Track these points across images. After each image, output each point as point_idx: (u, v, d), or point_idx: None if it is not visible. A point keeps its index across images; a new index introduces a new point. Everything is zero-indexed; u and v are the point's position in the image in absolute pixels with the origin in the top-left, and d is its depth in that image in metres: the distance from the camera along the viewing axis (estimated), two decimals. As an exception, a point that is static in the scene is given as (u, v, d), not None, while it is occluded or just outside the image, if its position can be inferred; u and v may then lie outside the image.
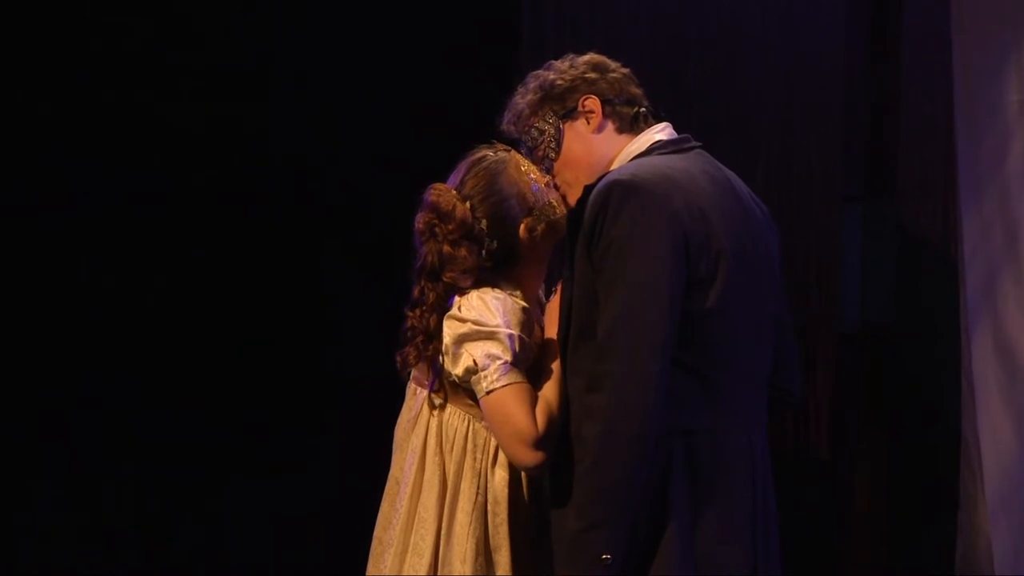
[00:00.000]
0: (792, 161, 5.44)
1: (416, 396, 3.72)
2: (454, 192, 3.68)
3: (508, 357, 3.53)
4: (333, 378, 5.65)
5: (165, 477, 5.69)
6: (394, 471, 3.72)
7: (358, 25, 5.75)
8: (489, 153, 3.72)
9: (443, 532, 3.60)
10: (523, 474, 3.62)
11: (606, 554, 3.21)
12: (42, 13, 5.62)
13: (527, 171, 3.69)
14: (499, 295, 3.61)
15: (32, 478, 5.64)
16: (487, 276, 3.68)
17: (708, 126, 5.34)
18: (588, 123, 3.57)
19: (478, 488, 3.60)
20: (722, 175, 3.52)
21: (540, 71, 3.64)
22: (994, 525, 4.86)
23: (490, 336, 3.55)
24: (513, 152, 3.73)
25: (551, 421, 3.50)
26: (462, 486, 3.61)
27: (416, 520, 3.63)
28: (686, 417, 3.32)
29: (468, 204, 3.66)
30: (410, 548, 3.62)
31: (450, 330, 3.60)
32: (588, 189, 3.42)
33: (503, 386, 3.51)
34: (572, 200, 3.56)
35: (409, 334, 3.68)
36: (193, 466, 5.67)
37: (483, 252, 3.65)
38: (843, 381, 5.35)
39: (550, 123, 3.59)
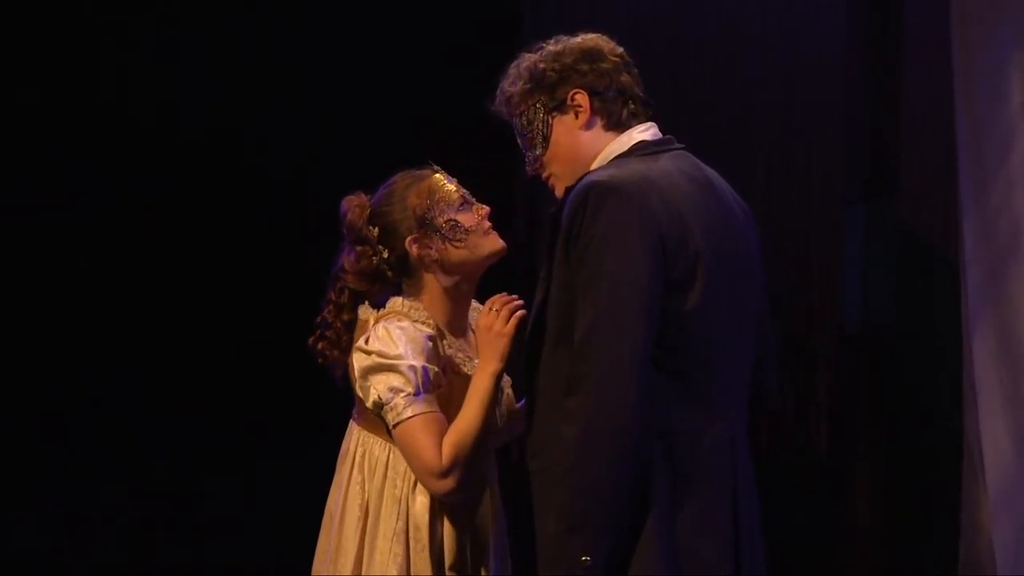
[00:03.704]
0: (792, 161, 5.44)
1: (349, 430, 3.79)
2: (358, 198, 3.78)
3: (410, 389, 3.58)
4: (333, 378, 5.65)
5: (164, 477, 5.69)
6: (329, 504, 3.79)
7: (360, 27, 5.76)
8: (417, 171, 3.79)
9: (365, 559, 3.66)
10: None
11: (586, 556, 3.20)
12: (42, 13, 5.61)
13: (443, 194, 3.74)
14: (404, 324, 3.66)
15: (32, 478, 5.64)
16: (397, 291, 3.75)
17: (708, 126, 5.35)
18: (576, 117, 3.54)
19: (398, 514, 3.65)
20: (703, 176, 3.50)
21: (530, 54, 3.59)
22: (996, 524, 4.86)
23: (391, 368, 3.60)
24: (439, 176, 3.77)
25: (459, 450, 3.56)
26: (382, 513, 3.67)
27: (340, 551, 3.69)
28: (666, 418, 3.31)
29: (368, 211, 3.75)
30: None
31: (357, 363, 3.66)
32: (567, 191, 3.42)
33: (408, 418, 3.58)
34: (560, 192, 3.55)
35: (316, 329, 3.78)
36: (193, 466, 5.67)
37: (375, 259, 3.73)
38: (843, 382, 5.34)
39: (539, 116, 3.56)
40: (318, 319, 3.78)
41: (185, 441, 5.66)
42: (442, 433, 3.58)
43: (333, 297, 3.77)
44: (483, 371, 3.64)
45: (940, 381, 5.20)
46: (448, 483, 3.57)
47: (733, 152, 5.31)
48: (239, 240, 5.74)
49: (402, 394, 3.57)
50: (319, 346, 3.77)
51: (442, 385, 3.65)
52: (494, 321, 3.65)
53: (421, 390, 3.59)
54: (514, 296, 3.69)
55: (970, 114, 4.96)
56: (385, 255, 3.74)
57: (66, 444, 5.63)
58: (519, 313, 3.64)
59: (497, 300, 3.69)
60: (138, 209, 5.68)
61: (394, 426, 3.59)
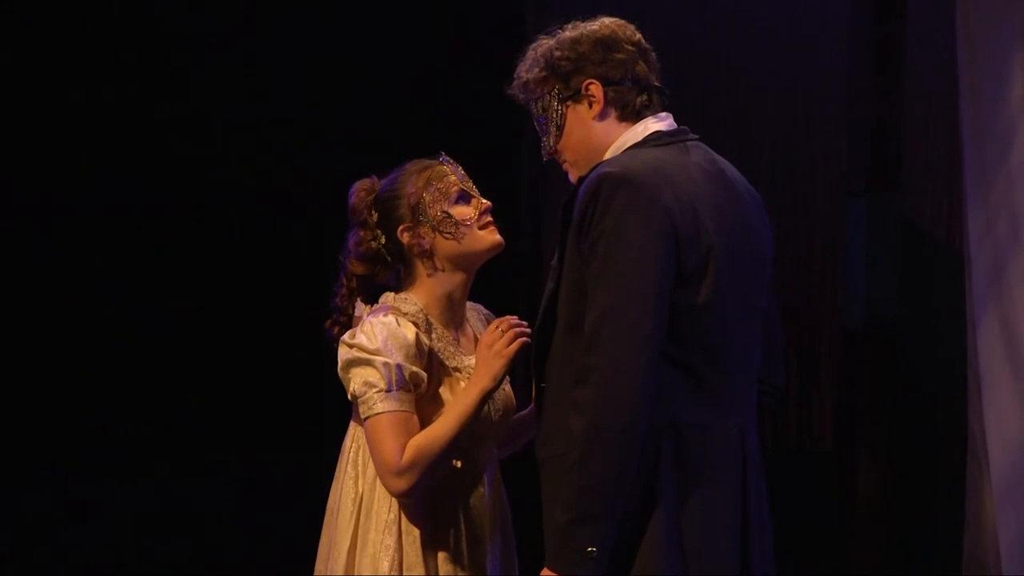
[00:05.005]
0: (795, 157, 5.45)
1: (349, 427, 3.79)
2: (369, 182, 3.79)
3: (383, 385, 3.58)
4: (333, 377, 5.65)
5: (164, 476, 5.69)
6: (328, 501, 3.79)
7: (363, 24, 5.76)
8: (427, 160, 3.79)
9: (358, 552, 3.66)
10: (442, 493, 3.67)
11: (592, 547, 3.20)
12: (42, 14, 5.62)
13: (441, 185, 3.73)
14: (388, 320, 3.65)
15: (32, 477, 5.64)
16: (399, 277, 3.76)
17: (710, 124, 5.35)
18: (590, 107, 3.52)
19: (389, 506, 3.64)
20: (716, 168, 3.49)
21: (546, 39, 3.58)
22: (1001, 517, 4.86)
23: (367, 363, 3.60)
24: (446, 166, 3.77)
25: (421, 454, 3.56)
26: (374, 506, 3.66)
27: (334, 545, 3.70)
28: (675, 411, 3.31)
29: (373, 195, 3.76)
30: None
31: (340, 355, 3.67)
32: (579, 181, 3.41)
33: (377, 414, 3.58)
34: (574, 178, 3.54)
35: (332, 313, 3.79)
36: (193, 465, 5.67)
37: (374, 243, 3.74)
38: (847, 375, 5.35)
39: (553, 105, 3.54)
40: (332, 304, 3.80)
41: (185, 440, 5.66)
42: (409, 433, 3.57)
43: (344, 282, 3.79)
44: (473, 385, 3.64)
45: (944, 375, 5.21)
46: (401, 483, 3.56)
47: (736, 148, 5.31)
48: (239, 241, 5.73)
49: (375, 389, 3.57)
50: (335, 330, 3.77)
51: (421, 384, 3.63)
52: (496, 340, 3.64)
53: (394, 387, 3.58)
54: (523, 322, 3.69)
55: (973, 107, 4.98)
56: (383, 241, 3.75)
57: (66, 443, 5.63)
58: (522, 339, 3.63)
59: (504, 321, 3.68)
60: (138, 209, 5.68)
61: (365, 420, 3.60)
